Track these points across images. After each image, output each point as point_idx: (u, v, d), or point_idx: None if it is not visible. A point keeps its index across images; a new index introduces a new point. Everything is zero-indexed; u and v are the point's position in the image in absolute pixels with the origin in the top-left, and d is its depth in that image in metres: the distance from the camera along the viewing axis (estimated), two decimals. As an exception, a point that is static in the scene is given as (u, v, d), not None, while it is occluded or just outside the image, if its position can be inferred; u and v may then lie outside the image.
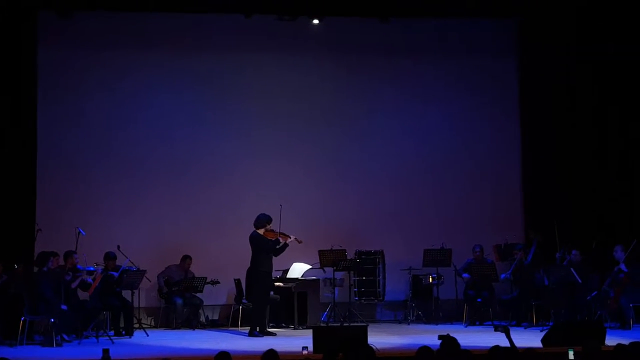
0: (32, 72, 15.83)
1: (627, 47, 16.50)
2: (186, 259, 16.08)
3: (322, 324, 15.40)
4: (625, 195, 16.66)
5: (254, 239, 14.52)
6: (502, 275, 15.81)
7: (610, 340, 11.56)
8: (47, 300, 13.39)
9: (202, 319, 16.19)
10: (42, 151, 15.90)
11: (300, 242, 14.77)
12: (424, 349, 8.04)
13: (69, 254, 14.17)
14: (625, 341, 8.92)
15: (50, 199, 15.96)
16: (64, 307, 13.40)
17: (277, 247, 14.56)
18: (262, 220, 14.57)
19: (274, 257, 14.66)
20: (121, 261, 14.87)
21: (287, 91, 17.06)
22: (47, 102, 16.06)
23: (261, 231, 14.54)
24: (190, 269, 16.08)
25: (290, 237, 14.64)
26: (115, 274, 14.61)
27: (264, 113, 16.97)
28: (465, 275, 16.12)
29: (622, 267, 14.92)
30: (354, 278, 16.44)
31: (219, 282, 16.06)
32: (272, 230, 14.57)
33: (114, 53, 16.54)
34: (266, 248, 14.46)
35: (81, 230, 14.59)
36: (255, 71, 16.99)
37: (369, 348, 8.70)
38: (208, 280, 15.93)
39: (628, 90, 16.72)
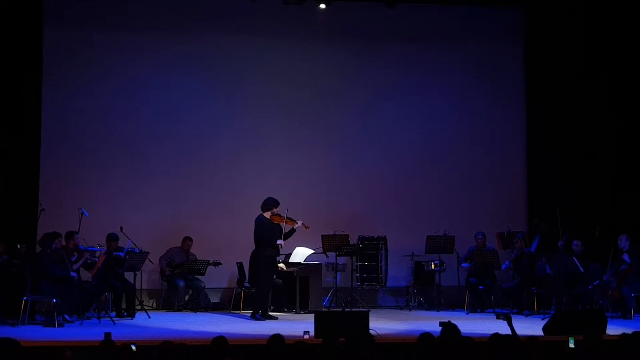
0: (38, 53, 15.81)
1: (636, 34, 16.52)
2: (187, 240, 16.09)
3: (324, 309, 15.42)
4: (631, 183, 16.63)
5: (260, 222, 14.52)
6: (504, 266, 15.81)
7: (612, 330, 11.57)
8: (57, 279, 13.43)
9: (205, 301, 16.21)
10: (46, 132, 15.89)
11: (307, 227, 14.81)
12: (426, 336, 8.05)
13: (70, 235, 14.19)
14: (627, 331, 8.93)
15: (54, 179, 15.96)
16: (74, 274, 13.52)
17: (284, 232, 14.57)
18: (270, 203, 14.58)
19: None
20: (123, 243, 14.89)
21: (292, 76, 17.03)
22: (52, 83, 16.04)
23: (268, 214, 14.55)
24: (191, 250, 16.10)
25: (297, 223, 14.67)
26: (122, 254, 14.63)
27: (268, 98, 16.94)
28: (464, 265, 16.12)
29: (626, 258, 14.92)
30: (356, 264, 16.46)
31: (221, 264, 16.03)
32: (279, 215, 14.59)
33: (119, 35, 16.52)
34: (267, 238, 14.45)
35: (84, 211, 14.62)
36: (260, 56, 16.95)
37: (369, 334, 8.71)
38: (210, 262, 15.93)
39: (636, 77, 16.69)
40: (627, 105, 16.74)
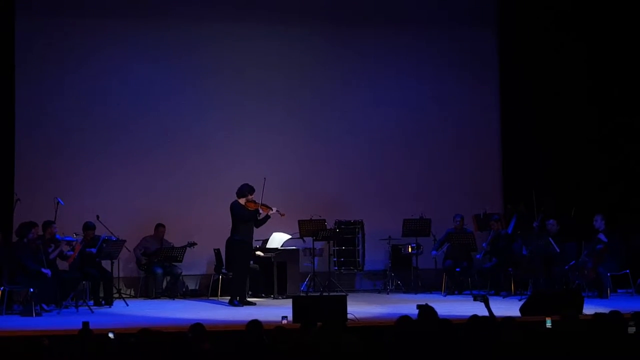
0: (10, 42, 15.67)
1: (611, 14, 16.59)
2: (159, 227, 16.05)
3: (301, 294, 15.43)
4: (604, 164, 16.72)
5: (234, 207, 14.52)
6: (479, 255, 15.88)
7: (588, 309, 11.65)
8: (28, 271, 13.34)
9: (182, 288, 16.18)
10: (20, 121, 15.74)
11: (282, 215, 14.80)
12: (404, 318, 8.07)
13: (47, 224, 14.10)
14: (603, 310, 8.99)
15: (29, 169, 15.85)
16: (47, 271, 13.36)
17: (259, 218, 14.58)
18: (244, 190, 14.56)
19: (255, 228, 14.66)
20: (100, 231, 14.84)
21: (267, 62, 16.96)
22: (25, 72, 15.88)
23: (242, 201, 14.54)
24: (168, 238, 16.07)
25: (272, 210, 14.64)
26: (94, 250, 14.56)
27: (242, 83, 16.88)
28: (434, 252, 16.18)
29: (602, 237, 15.02)
30: (333, 248, 16.46)
31: (196, 244, 15.95)
32: (254, 201, 14.56)
33: (93, 22, 16.38)
34: (245, 217, 14.46)
35: (60, 201, 14.55)
36: (235, 42, 16.88)
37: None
38: (186, 245, 15.88)
39: (610, 59, 16.76)
40: (602, 84, 16.77)
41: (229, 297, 14.63)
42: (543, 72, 16.96)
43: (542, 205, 15.22)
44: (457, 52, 17.50)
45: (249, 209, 14.53)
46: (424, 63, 17.49)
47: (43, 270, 13.36)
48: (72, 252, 14.06)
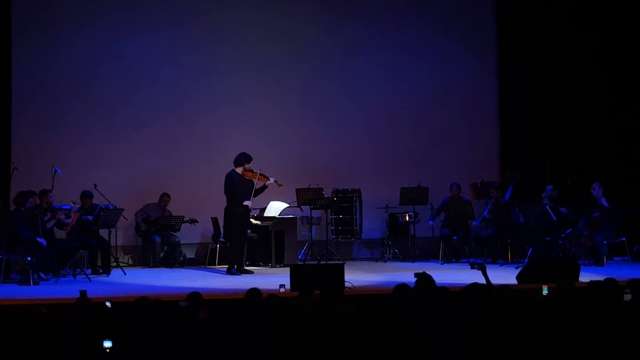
0: (6, 12, 15.60)
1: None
2: (164, 196, 16.03)
3: (299, 262, 15.47)
4: (600, 133, 16.72)
5: (229, 179, 14.47)
6: (475, 222, 15.90)
7: (585, 277, 11.68)
8: (24, 240, 13.32)
9: (180, 257, 16.20)
10: (17, 89, 15.69)
11: (280, 185, 14.79)
12: (401, 287, 8.09)
13: (44, 193, 14.07)
14: (599, 277, 9.02)
15: (26, 137, 15.82)
16: (42, 240, 13.27)
17: (255, 188, 14.56)
18: (242, 159, 14.52)
19: (253, 197, 14.65)
20: (98, 200, 14.84)
21: (268, 31, 16.90)
22: (22, 42, 15.81)
23: (239, 170, 14.51)
24: (167, 207, 16.07)
25: (269, 180, 14.63)
26: (90, 218, 14.55)
27: (243, 53, 16.82)
28: (430, 222, 16.20)
29: (603, 202, 15.06)
30: (331, 216, 16.49)
31: (197, 221, 16.02)
32: (251, 170, 14.55)
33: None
34: (238, 193, 14.41)
35: (57, 169, 14.54)
36: (237, 11, 16.79)
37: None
38: (186, 219, 15.92)
39: (607, 29, 16.70)
40: (601, 54, 16.72)
41: (227, 266, 14.66)
42: (541, 41, 16.89)
43: (554, 176, 15.22)
44: (455, 21, 17.43)
45: (247, 177, 14.51)
46: (422, 33, 17.41)
47: (38, 239, 13.30)
48: (69, 220, 14.06)
